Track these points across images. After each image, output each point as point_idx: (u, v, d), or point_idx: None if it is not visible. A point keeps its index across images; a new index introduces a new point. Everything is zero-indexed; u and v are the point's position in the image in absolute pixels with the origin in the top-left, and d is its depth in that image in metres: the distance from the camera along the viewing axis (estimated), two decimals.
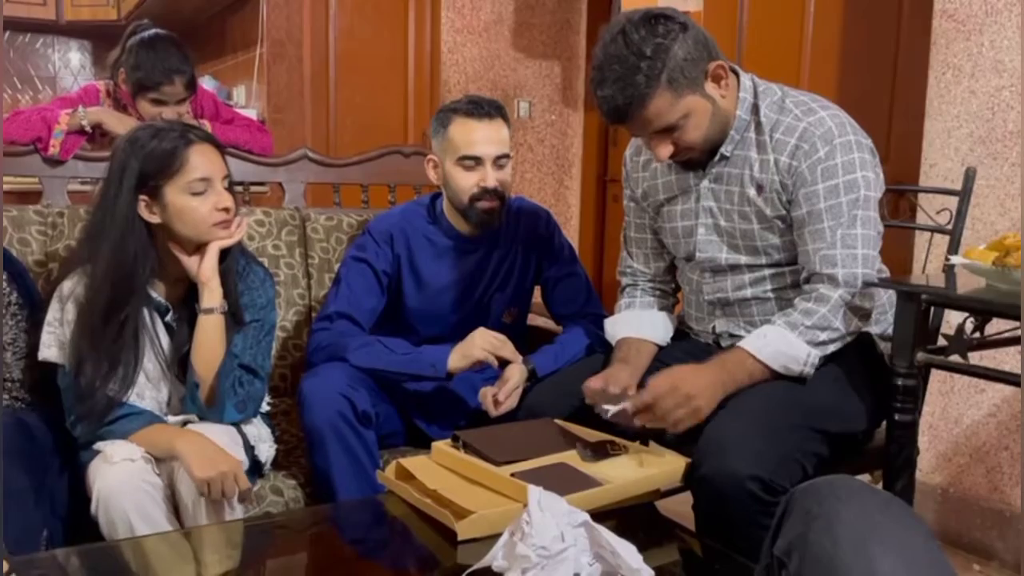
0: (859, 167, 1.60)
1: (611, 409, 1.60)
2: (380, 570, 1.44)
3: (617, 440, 1.60)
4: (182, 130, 1.70)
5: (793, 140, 1.62)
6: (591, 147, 4.53)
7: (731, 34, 3.19)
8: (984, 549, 2.47)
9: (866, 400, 1.66)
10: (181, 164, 1.66)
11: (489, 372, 1.93)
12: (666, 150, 1.63)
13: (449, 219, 2.04)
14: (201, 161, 1.68)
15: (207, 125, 2.56)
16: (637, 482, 1.50)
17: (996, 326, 1.55)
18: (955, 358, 1.54)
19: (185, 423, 1.72)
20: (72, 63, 5.43)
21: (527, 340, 2.08)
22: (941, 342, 1.63)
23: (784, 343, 1.58)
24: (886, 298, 1.72)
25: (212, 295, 1.71)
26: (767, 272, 1.72)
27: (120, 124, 2.45)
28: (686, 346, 1.85)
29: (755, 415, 1.52)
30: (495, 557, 1.18)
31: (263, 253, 2.21)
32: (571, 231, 4.51)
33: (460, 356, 1.85)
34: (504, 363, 1.87)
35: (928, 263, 2.13)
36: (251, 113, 3.49)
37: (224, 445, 1.63)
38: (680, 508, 1.60)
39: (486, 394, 1.85)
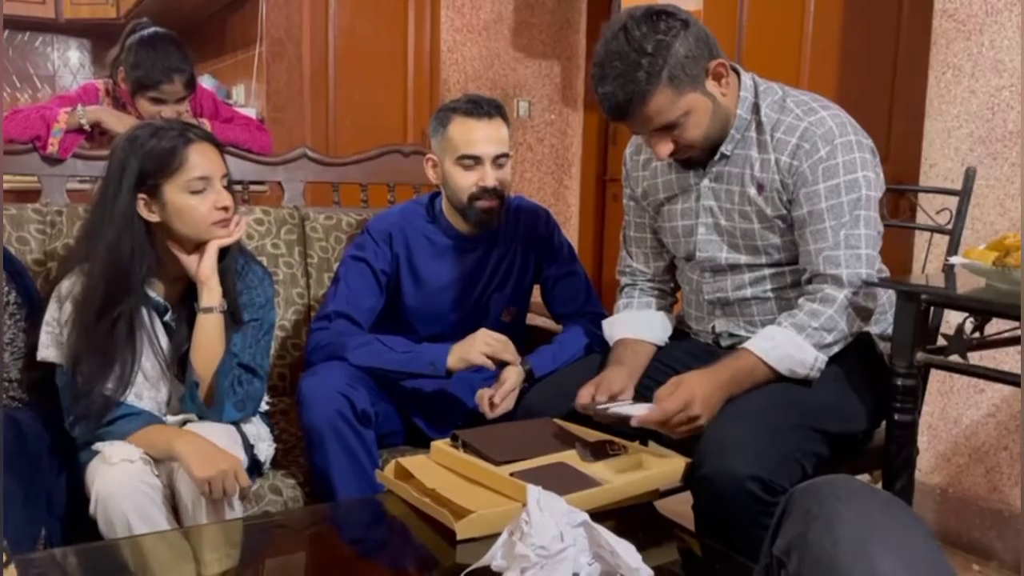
0: (860, 167, 1.59)
1: (602, 407, 1.60)
2: (379, 569, 1.44)
3: (616, 440, 1.60)
4: (181, 129, 1.70)
5: (794, 140, 1.62)
6: (591, 146, 4.53)
7: (731, 33, 3.19)
8: (983, 549, 2.47)
9: (866, 400, 1.65)
10: (180, 163, 1.66)
11: (488, 372, 1.93)
12: (666, 148, 1.62)
13: (448, 218, 2.04)
14: (200, 160, 1.67)
15: (206, 124, 2.56)
16: (636, 482, 1.50)
17: (996, 326, 1.55)
18: (955, 358, 1.54)
19: (184, 422, 1.72)
20: (71, 61, 5.43)
21: (526, 339, 2.08)
22: (941, 342, 1.63)
23: (793, 347, 1.58)
24: (886, 298, 1.72)
25: (211, 294, 1.71)
26: (767, 272, 1.72)
27: (119, 123, 2.45)
28: (686, 346, 1.85)
29: (755, 415, 1.52)
30: (494, 557, 1.18)
31: (262, 252, 2.21)
32: (570, 230, 4.50)
33: (459, 357, 1.85)
34: (502, 364, 1.87)
35: (928, 263, 2.13)
36: (250, 112, 3.48)
37: (223, 444, 1.63)
38: (679, 508, 1.59)
39: (483, 396, 1.85)
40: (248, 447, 1.74)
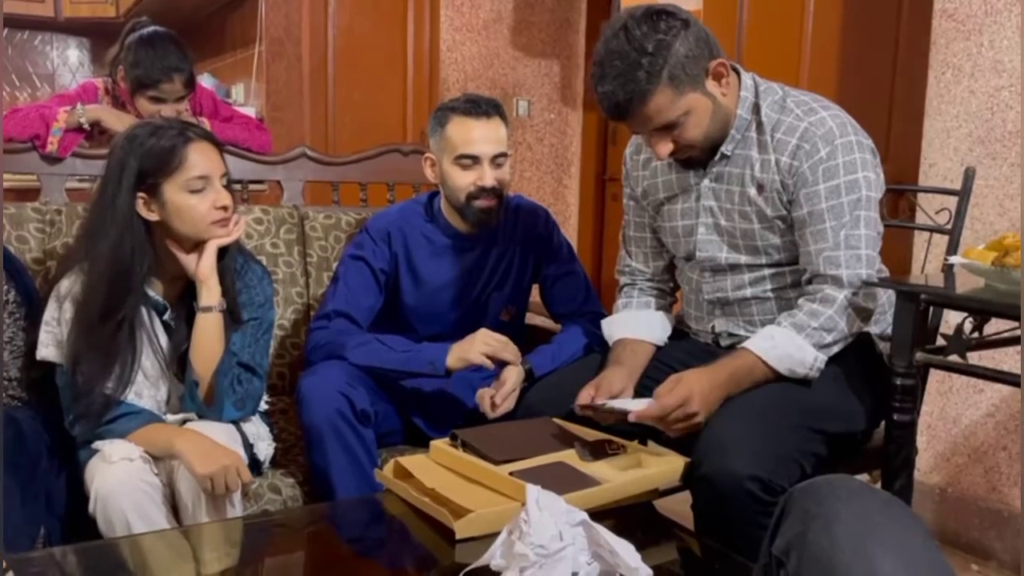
0: (860, 167, 1.59)
1: (601, 408, 1.60)
2: (378, 569, 1.44)
3: (616, 439, 1.60)
4: (181, 128, 1.70)
5: (794, 140, 1.62)
6: (590, 146, 4.53)
7: (730, 33, 3.18)
8: (982, 549, 2.48)
9: (865, 400, 1.66)
10: (180, 162, 1.65)
11: (487, 371, 1.93)
12: (666, 148, 1.62)
13: (447, 217, 2.04)
14: (200, 159, 1.67)
15: (206, 123, 2.56)
16: (635, 481, 1.50)
17: (995, 326, 1.55)
18: (954, 358, 1.54)
19: (184, 422, 1.72)
20: (70, 60, 5.43)
21: (525, 339, 2.08)
22: (940, 342, 1.62)
23: (793, 346, 1.58)
24: (885, 298, 1.72)
25: (210, 293, 1.71)
26: (767, 272, 1.72)
27: (118, 122, 2.45)
28: (685, 346, 1.85)
29: (754, 415, 1.52)
30: (493, 556, 1.18)
31: (261, 251, 2.21)
32: (570, 230, 4.50)
33: (458, 357, 1.85)
34: (502, 364, 1.87)
35: (927, 263, 2.13)
36: (250, 111, 3.48)
37: (223, 443, 1.63)
38: (679, 507, 1.60)
39: (483, 396, 1.84)
40: (248, 446, 1.74)
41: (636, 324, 1.85)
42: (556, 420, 1.70)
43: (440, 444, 1.58)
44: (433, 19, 4.18)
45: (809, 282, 1.64)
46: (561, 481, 1.40)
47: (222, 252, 1.73)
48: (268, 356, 1.85)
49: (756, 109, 1.66)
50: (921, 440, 2.52)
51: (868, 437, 1.74)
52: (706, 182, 1.73)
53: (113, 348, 1.64)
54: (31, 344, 1.70)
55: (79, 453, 1.65)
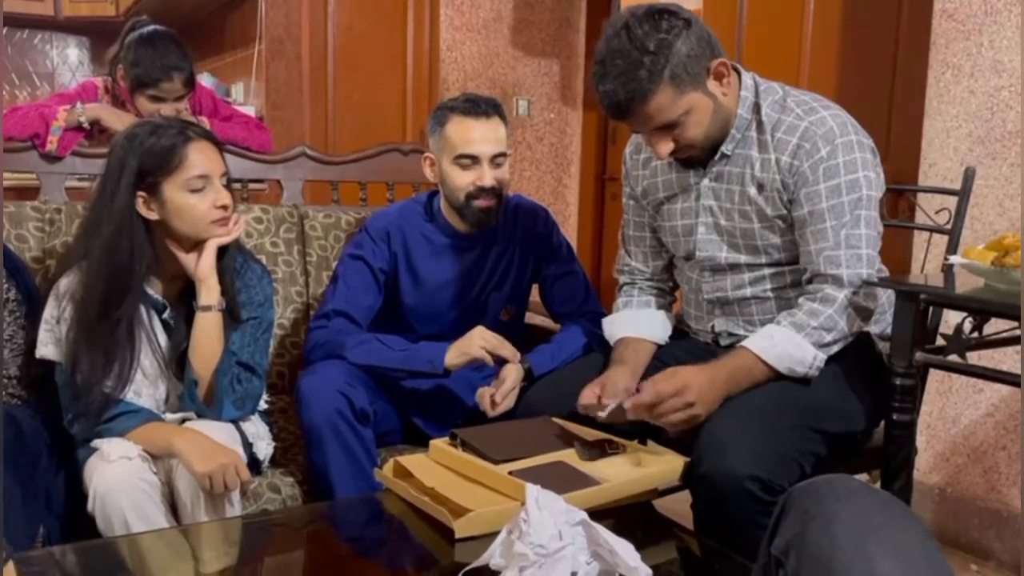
0: (861, 167, 1.59)
1: (607, 408, 1.60)
2: (377, 568, 1.44)
3: (615, 439, 1.60)
4: (180, 127, 1.70)
5: (794, 139, 1.62)
6: (590, 145, 4.53)
7: (730, 32, 3.18)
8: (981, 549, 2.48)
9: (865, 400, 1.65)
10: (180, 161, 1.65)
11: (487, 371, 1.93)
12: (666, 147, 1.62)
13: (446, 217, 2.04)
14: (200, 158, 1.67)
15: (205, 122, 2.56)
16: (635, 481, 1.50)
17: (995, 326, 1.55)
18: (953, 358, 1.54)
19: (183, 421, 1.72)
20: (70, 59, 5.43)
21: (524, 339, 2.08)
22: (940, 342, 1.62)
23: (792, 345, 1.58)
24: (885, 298, 1.72)
25: (210, 292, 1.71)
26: (767, 271, 1.72)
27: (118, 121, 2.45)
28: (685, 345, 1.85)
29: (754, 415, 1.52)
30: (492, 555, 1.18)
31: (261, 250, 2.21)
32: (569, 229, 4.50)
33: (458, 353, 1.85)
34: (501, 362, 1.87)
35: (927, 263, 2.13)
36: (249, 110, 3.48)
37: (222, 442, 1.63)
38: (678, 507, 1.60)
39: (483, 394, 1.84)
40: (247, 445, 1.74)
41: (637, 323, 1.85)
42: (556, 419, 1.70)
43: (439, 443, 1.58)
44: (433, 18, 4.18)
45: (809, 281, 1.64)
46: (560, 480, 1.40)
47: (222, 251, 1.73)
48: (267, 355, 1.85)
49: (756, 109, 1.66)
50: (920, 440, 2.52)
51: (868, 437, 1.74)
52: (706, 181, 1.73)
53: (112, 347, 1.64)
54: (31, 342, 1.70)
55: (78, 452, 1.65)
